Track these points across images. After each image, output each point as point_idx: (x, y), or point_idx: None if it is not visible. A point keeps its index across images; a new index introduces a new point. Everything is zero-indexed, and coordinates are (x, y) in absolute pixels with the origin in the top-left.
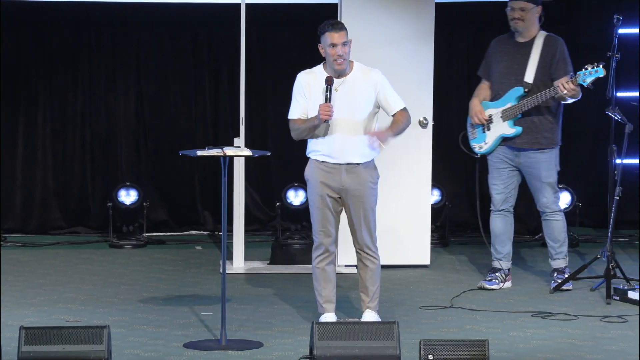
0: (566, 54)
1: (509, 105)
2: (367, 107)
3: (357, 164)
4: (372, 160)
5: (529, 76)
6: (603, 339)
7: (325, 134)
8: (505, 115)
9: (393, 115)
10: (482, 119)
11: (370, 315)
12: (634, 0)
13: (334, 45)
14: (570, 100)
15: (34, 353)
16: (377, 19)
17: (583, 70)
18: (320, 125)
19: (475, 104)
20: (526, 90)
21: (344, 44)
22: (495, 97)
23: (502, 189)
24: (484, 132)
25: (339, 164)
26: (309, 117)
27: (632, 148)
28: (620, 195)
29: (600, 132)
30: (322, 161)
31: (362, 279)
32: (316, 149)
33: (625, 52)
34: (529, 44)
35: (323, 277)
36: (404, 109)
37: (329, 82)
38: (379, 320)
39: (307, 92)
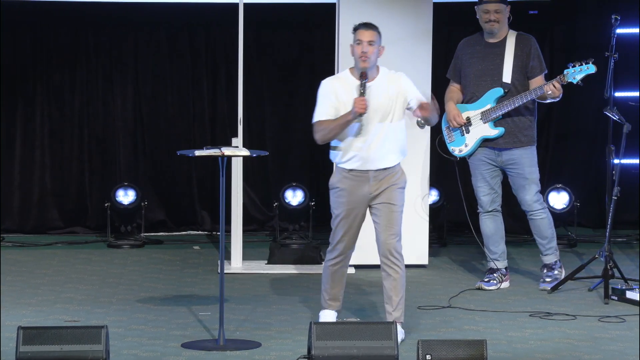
0: (539, 51)
1: (488, 106)
2: (395, 111)
3: (386, 168)
4: (399, 164)
5: (507, 77)
6: (601, 339)
7: (353, 139)
8: (485, 117)
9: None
10: (461, 122)
11: None
12: (633, 0)
13: (360, 42)
14: (550, 101)
15: (32, 353)
16: (375, 19)
17: (571, 68)
18: (353, 120)
19: (451, 108)
20: (506, 90)
21: (370, 42)
22: (471, 99)
23: (488, 191)
24: (462, 134)
25: (368, 171)
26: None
27: (630, 148)
28: (618, 196)
29: (598, 132)
30: (351, 169)
31: (386, 289)
32: (346, 157)
33: (623, 52)
34: (501, 44)
35: (333, 278)
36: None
37: (363, 76)
38: (403, 332)
39: (334, 96)
